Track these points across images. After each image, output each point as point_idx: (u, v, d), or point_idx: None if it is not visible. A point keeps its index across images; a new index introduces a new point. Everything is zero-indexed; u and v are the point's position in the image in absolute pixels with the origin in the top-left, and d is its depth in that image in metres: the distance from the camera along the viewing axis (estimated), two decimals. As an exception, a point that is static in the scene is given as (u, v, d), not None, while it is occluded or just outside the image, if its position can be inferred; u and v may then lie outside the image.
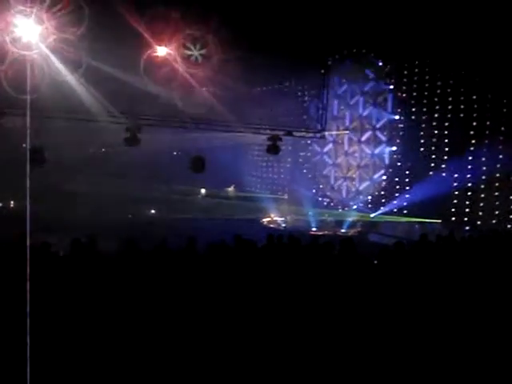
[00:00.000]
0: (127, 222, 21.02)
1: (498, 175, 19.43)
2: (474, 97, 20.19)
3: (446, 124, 21.33)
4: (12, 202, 24.58)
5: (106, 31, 12.70)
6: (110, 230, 14.31)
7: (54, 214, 18.87)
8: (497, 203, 19.50)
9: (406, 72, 23.16)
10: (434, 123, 21.79)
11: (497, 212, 19.46)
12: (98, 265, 8.65)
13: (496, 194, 19.52)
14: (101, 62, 13.68)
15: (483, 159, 19.75)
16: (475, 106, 20.20)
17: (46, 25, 12.77)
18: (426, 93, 22.18)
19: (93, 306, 7.65)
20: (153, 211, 25.85)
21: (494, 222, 19.43)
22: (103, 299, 7.82)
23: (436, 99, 21.75)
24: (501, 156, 19.14)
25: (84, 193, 23.24)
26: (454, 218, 20.61)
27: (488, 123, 19.79)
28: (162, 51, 14.76)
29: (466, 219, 20.38)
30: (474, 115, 20.23)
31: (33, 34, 12.76)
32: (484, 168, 19.78)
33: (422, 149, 22.23)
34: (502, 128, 19.22)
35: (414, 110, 22.79)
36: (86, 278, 8.04)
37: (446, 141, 21.30)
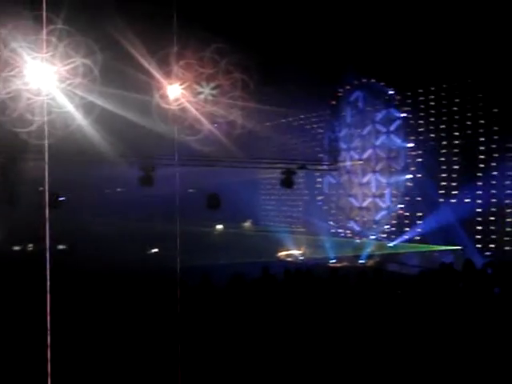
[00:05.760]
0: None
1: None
2: (483, 121, 20.25)
3: (460, 149, 21.29)
4: (31, 245, 24.66)
5: (119, 74, 12.90)
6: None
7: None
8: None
9: (417, 99, 23.21)
10: (448, 149, 21.74)
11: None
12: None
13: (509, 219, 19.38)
14: (114, 105, 13.85)
15: (495, 183, 19.68)
16: (483, 131, 20.26)
17: (59, 70, 12.97)
18: (438, 119, 22.17)
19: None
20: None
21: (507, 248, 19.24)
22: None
23: (449, 125, 21.75)
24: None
25: (101, 233, 23.35)
26: (474, 244, 20.38)
27: (495, 146, 19.83)
28: (173, 91, 14.92)
29: (484, 245, 20.16)
30: (483, 139, 20.28)
31: (46, 80, 12.96)
32: (496, 192, 19.69)
33: (437, 175, 22.14)
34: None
35: (427, 136, 22.76)
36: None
37: (461, 166, 21.22)
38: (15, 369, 7.29)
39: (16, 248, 25.07)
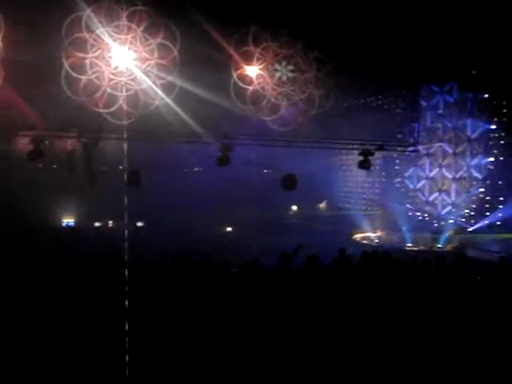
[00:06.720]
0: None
1: None
2: None
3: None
4: (111, 222, 25.49)
5: (197, 54, 13.01)
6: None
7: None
8: None
9: (501, 80, 22.35)
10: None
11: None
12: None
13: None
14: (192, 85, 14.00)
15: None
16: None
17: (140, 51, 13.22)
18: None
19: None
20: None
21: None
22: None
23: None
24: None
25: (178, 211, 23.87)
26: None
27: None
28: (251, 71, 14.94)
29: None
30: None
31: (127, 61, 13.23)
32: None
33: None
34: None
35: (510, 118, 21.93)
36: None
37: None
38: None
39: (97, 224, 26.03)
